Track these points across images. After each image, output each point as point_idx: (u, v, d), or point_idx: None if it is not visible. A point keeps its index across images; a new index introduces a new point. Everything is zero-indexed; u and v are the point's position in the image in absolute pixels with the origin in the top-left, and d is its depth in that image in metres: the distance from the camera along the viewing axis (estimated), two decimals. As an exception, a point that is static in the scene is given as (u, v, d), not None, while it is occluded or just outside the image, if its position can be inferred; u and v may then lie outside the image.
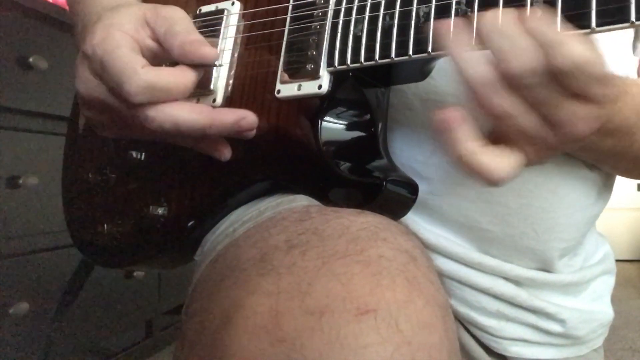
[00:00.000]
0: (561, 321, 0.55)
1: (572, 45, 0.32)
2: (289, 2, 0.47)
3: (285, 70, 0.45)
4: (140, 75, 0.40)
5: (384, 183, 0.42)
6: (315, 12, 0.45)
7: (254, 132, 0.44)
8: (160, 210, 0.53)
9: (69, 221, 0.64)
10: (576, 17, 0.32)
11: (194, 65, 0.42)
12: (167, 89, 0.41)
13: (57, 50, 1.23)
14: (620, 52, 0.54)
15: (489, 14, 0.35)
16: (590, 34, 0.33)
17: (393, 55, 0.39)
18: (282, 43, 0.46)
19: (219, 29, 0.50)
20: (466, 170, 0.35)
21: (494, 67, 0.34)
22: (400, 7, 0.39)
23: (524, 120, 0.34)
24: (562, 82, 0.33)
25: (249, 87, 0.48)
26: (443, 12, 0.37)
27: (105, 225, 0.58)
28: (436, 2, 0.37)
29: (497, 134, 0.36)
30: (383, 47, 0.39)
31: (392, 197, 0.43)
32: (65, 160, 0.67)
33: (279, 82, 0.45)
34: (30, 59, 1.15)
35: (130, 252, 0.56)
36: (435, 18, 0.37)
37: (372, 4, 0.41)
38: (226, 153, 0.46)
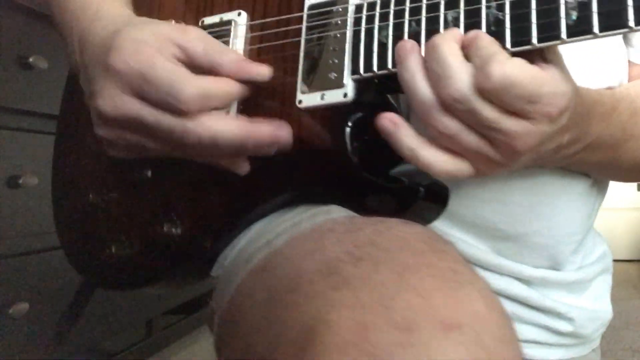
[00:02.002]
0: (570, 320, 0.56)
1: (497, 66, 0.34)
2: (302, 12, 0.47)
3: (305, 80, 0.45)
4: (194, 82, 0.40)
5: (420, 188, 0.41)
6: (333, 20, 0.44)
7: (289, 144, 0.44)
8: (171, 228, 0.51)
9: (66, 245, 0.61)
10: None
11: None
12: (219, 96, 0.42)
13: (57, 50, 1.23)
14: (613, 58, 0.54)
15: (436, 37, 0.37)
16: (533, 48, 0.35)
17: None
18: (298, 53, 0.46)
19: (227, 41, 0.49)
20: (415, 165, 0.39)
21: (434, 91, 0.37)
22: (426, 13, 0.39)
23: (463, 139, 0.37)
24: (493, 100, 0.35)
25: (264, 99, 0.47)
26: (473, 16, 0.37)
27: (109, 247, 0.55)
28: (465, 6, 0.37)
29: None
30: None
31: (427, 202, 0.43)
32: (56, 179, 0.63)
33: (299, 93, 0.45)
34: (30, 59, 1.15)
35: (139, 273, 0.54)
36: (465, 22, 0.37)
37: (395, 11, 0.41)
38: (245, 167, 0.46)
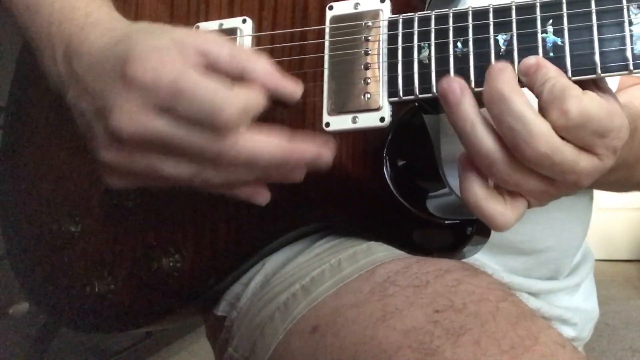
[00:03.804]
0: (574, 325, 0.57)
1: (575, 101, 0.32)
2: (323, 24, 0.42)
3: (333, 100, 0.41)
4: (234, 97, 0.36)
5: (473, 223, 0.38)
6: (363, 35, 0.41)
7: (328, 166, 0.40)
8: (169, 262, 0.45)
9: (27, 284, 0.52)
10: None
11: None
12: (254, 110, 0.37)
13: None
14: None
15: (498, 85, 0.34)
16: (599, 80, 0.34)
17: (473, 85, 0.36)
18: (322, 70, 0.42)
19: None
20: (474, 213, 0.36)
21: (504, 146, 0.34)
22: (473, 34, 0.36)
23: (530, 185, 0.35)
24: (567, 137, 0.33)
25: (281, 120, 0.42)
26: (527, 40, 0.35)
27: (87, 285, 0.48)
28: (518, 30, 0.35)
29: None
30: (459, 76, 0.37)
31: (475, 237, 0.40)
32: (5, 202, 0.53)
33: (326, 114, 0.41)
34: (30, 59, 1.15)
35: (127, 315, 0.47)
36: (518, 47, 0.35)
37: (437, 30, 0.38)
38: (265, 197, 0.41)
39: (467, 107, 0.34)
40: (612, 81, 0.55)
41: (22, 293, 1.12)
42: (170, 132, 0.37)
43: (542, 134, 0.33)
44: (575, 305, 0.58)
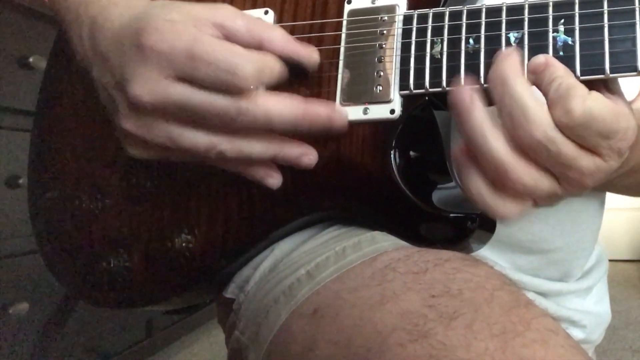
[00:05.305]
0: (583, 327, 0.56)
1: (579, 101, 0.33)
2: (340, 17, 0.44)
3: (346, 91, 0.42)
4: (249, 57, 0.37)
5: (476, 217, 0.39)
6: (378, 29, 0.42)
7: (343, 134, 0.41)
8: (181, 243, 0.47)
9: (47, 255, 0.54)
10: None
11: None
12: (270, 72, 0.39)
13: (57, 49, 1.22)
14: None
15: (502, 70, 0.34)
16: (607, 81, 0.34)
17: (482, 81, 0.37)
18: (337, 61, 0.43)
19: None
20: (475, 202, 0.37)
21: (508, 136, 0.34)
22: (486, 31, 0.37)
23: (539, 187, 0.35)
24: (570, 136, 0.34)
25: None
26: (538, 39, 0.35)
27: (104, 261, 0.50)
28: (529, 28, 0.36)
29: None
30: (470, 72, 0.38)
31: (479, 231, 0.40)
32: (34, 181, 0.56)
33: (339, 105, 0.42)
34: (30, 59, 1.14)
35: (140, 292, 0.49)
36: (529, 45, 0.36)
37: (450, 26, 0.38)
38: (277, 180, 0.43)
39: (478, 115, 0.35)
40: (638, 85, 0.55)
41: (23, 292, 1.12)
42: (188, 97, 0.38)
43: (539, 121, 0.33)
44: (586, 308, 0.57)
